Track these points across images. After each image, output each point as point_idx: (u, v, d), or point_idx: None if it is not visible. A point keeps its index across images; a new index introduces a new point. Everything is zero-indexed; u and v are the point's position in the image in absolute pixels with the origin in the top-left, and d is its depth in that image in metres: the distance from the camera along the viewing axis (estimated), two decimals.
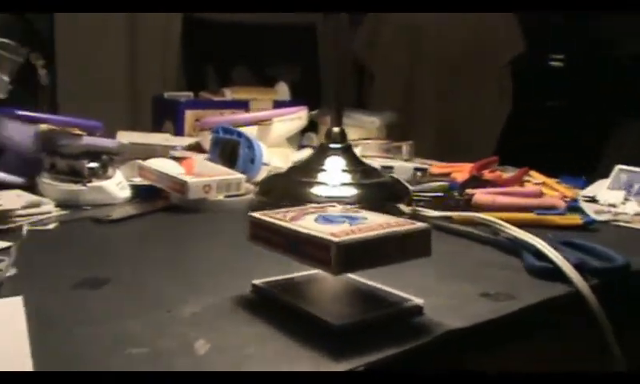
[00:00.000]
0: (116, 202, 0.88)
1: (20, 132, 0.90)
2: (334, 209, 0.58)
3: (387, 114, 1.41)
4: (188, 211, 0.86)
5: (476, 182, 1.05)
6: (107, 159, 0.90)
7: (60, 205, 0.85)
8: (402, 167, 1.13)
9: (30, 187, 0.89)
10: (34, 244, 0.70)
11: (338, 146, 0.86)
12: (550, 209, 0.87)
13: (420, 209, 0.85)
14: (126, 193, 0.90)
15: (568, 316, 0.60)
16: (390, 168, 1.12)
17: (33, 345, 0.44)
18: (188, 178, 0.85)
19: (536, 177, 1.16)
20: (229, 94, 1.41)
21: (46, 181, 0.88)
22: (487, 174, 1.13)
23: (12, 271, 0.59)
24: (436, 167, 1.19)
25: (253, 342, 0.46)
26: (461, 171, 1.14)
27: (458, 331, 0.49)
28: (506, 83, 2.21)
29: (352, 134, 1.29)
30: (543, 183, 1.11)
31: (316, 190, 0.82)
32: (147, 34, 1.93)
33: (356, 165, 0.86)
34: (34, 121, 0.91)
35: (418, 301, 0.53)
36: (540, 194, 0.95)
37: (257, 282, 0.56)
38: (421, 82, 2.19)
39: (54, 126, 0.91)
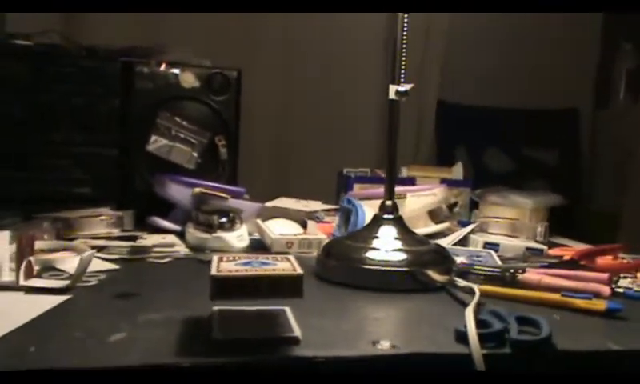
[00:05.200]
0: (233, 250, 1.12)
1: (180, 192, 1.21)
2: (280, 256, 0.73)
3: (550, 196, 1.42)
4: None
5: (570, 265, 1.05)
6: (233, 216, 1.15)
7: (192, 248, 1.13)
8: (509, 246, 1.17)
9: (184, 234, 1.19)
10: (136, 269, 0.98)
11: (390, 216, 0.98)
12: (593, 294, 0.86)
13: (457, 279, 0.92)
14: (244, 243, 1.14)
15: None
16: (495, 245, 1.17)
17: (25, 327, 0.69)
18: (274, 235, 1.06)
19: None
20: (405, 172, 1.57)
21: (189, 229, 1.17)
22: (601, 260, 1.10)
23: (92, 282, 0.87)
24: (555, 250, 1.19)
25: (162, 329, 0.66)
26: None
27: (307, 359, 0.62)
28: None
29: (500, 212, 1.36)
30: None
31: (369, 254, 0.95)
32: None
33: (405, 234, 0.97)
34: (191, 185, 1.21)
35: (297, 334, 0.66)
36: (606, 281, 0.92)
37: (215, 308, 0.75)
38: None
39: (205, 190, 1.20)
